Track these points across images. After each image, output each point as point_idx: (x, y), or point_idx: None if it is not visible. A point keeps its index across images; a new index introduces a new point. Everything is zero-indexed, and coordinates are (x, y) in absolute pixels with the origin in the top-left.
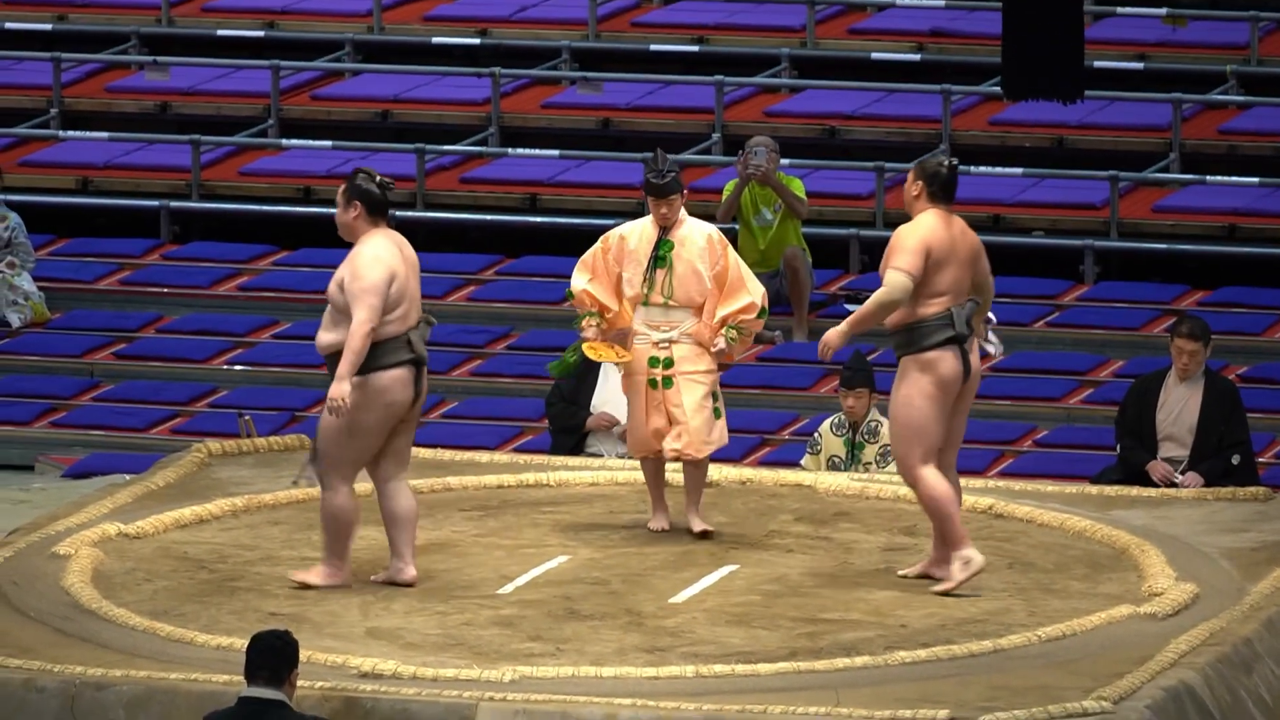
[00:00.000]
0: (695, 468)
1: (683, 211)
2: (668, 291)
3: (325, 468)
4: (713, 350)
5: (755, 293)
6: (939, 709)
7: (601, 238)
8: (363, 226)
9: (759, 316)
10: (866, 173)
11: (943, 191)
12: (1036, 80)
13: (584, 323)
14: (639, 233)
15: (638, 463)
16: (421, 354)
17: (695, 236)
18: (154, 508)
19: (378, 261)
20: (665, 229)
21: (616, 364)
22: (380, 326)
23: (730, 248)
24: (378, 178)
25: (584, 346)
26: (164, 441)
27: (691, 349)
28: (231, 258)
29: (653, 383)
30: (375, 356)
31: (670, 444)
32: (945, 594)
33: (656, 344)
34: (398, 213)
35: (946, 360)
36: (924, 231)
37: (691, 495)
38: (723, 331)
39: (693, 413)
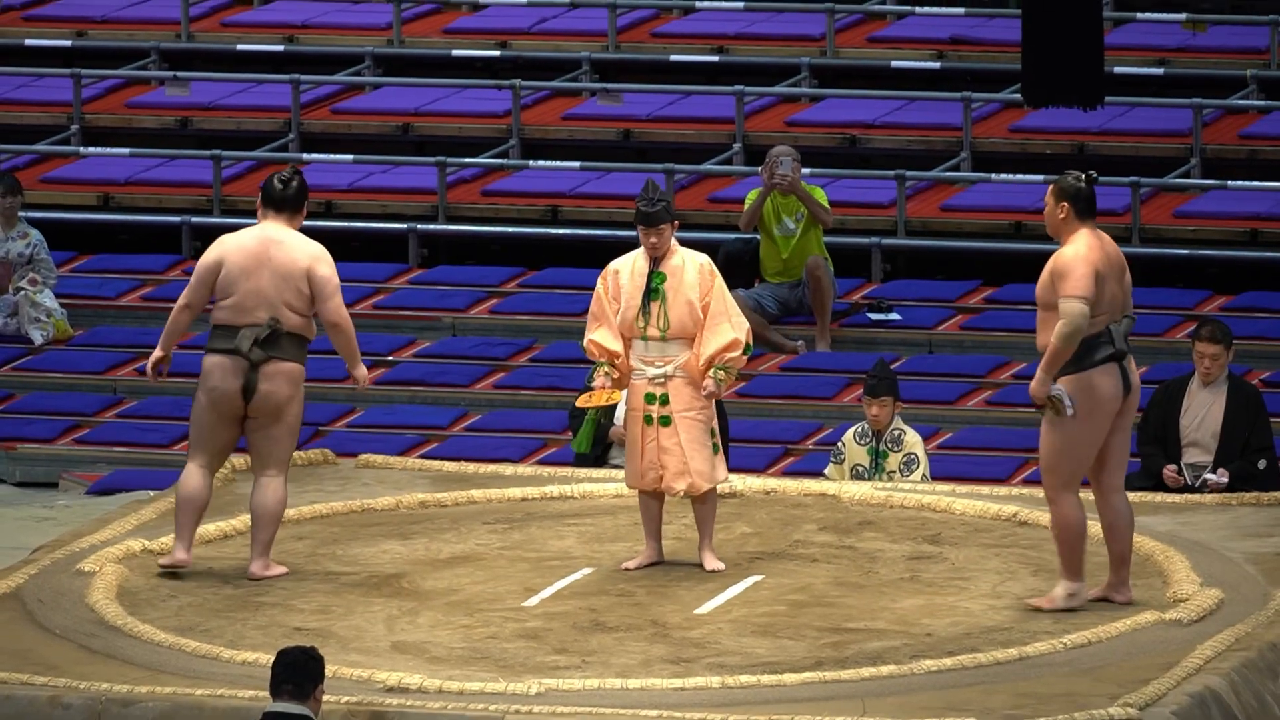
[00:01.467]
0: (702, 504)
1: (674, 242)
2: (663, 325)
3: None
4: (704, 394)
5: (739, 328)
6: (965, 717)
7: (600, 276)
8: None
9: (744, 353)
10: (888, 181)
11: (1088, 207)
12: (1056, 87)
13: (596, 372)
14: (630, 266)
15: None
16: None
17: (687, 266)
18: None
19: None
20: (656, 260)
21: (592, 407)
22: (214, 310)
23: (719, 278)
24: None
25: (578, 399)
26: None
27: (687, 386)
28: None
29: (648, 419)
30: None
31: (675, 484)
32: (1036, 609)
33: (652, 380)
34: (418, 226)
35: (1106, 379)
36: (1088, 252)
37: (702, 532)
38: (711, 373)
39: (693, 452)
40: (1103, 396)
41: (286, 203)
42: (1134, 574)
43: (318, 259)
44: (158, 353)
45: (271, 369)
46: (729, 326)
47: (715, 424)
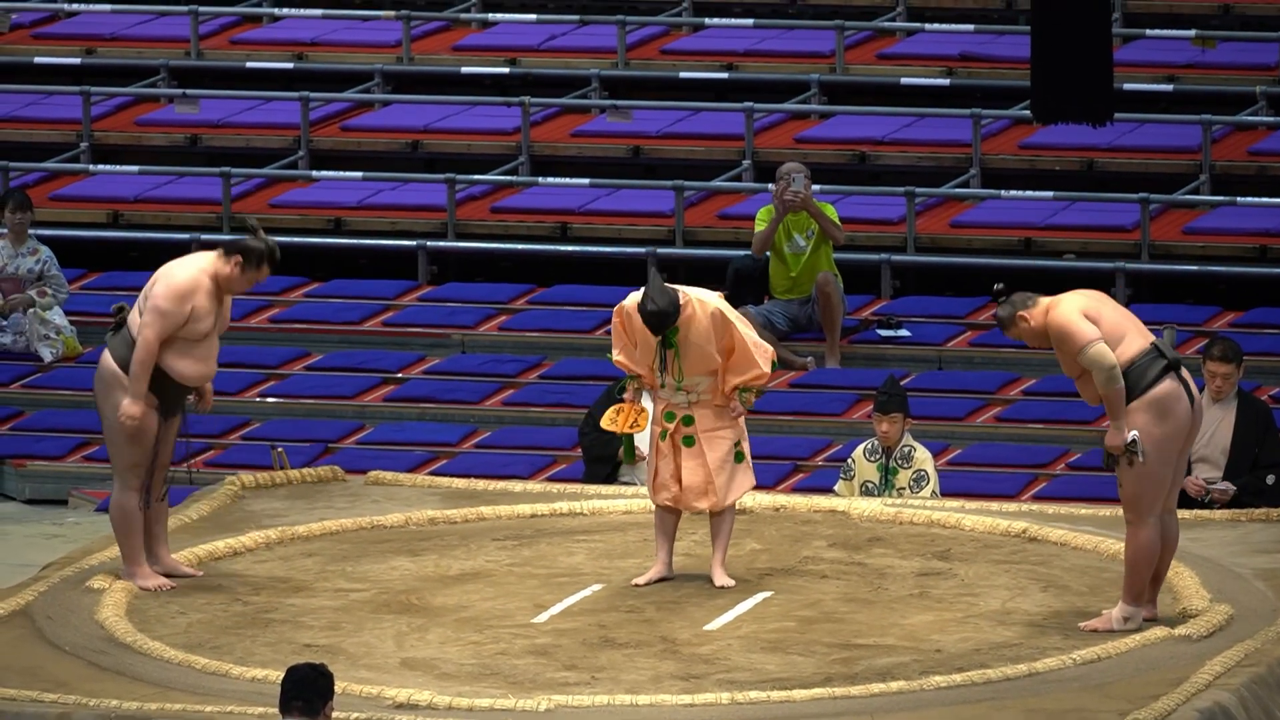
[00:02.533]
0: (719, 519)
1: (683, 293)
2: (678, 376)
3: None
4: (733, 416)
5: (764, 359)
6: None
7: (615, 310)
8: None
9: (770, 371)
10: (897, 198)
11: (1026, 298)
12: (1066, 103)
13: (627, 384)
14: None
15: None
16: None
17: (699, 317)
18: (188, 540)
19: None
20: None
21: (619, 432)
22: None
23: (732, 319)
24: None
25: (604, 417)
26: (198, 475)
27: (712, 409)
28: (263, 290)
29: (664, 434)
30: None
31: (697, 504)
32: (1093, 630)
33: (675, 404)
34: (428, 243)
35: (1172, 392)
36: (1066, 305)
37: (716, 547)
38: (737, 395)
39: (717, 471)
40: (1175, 410)
41: (228, 244)
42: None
43: (166, 275)
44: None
45: (100, 357)
46: (755, 364)
47: (744, 435)
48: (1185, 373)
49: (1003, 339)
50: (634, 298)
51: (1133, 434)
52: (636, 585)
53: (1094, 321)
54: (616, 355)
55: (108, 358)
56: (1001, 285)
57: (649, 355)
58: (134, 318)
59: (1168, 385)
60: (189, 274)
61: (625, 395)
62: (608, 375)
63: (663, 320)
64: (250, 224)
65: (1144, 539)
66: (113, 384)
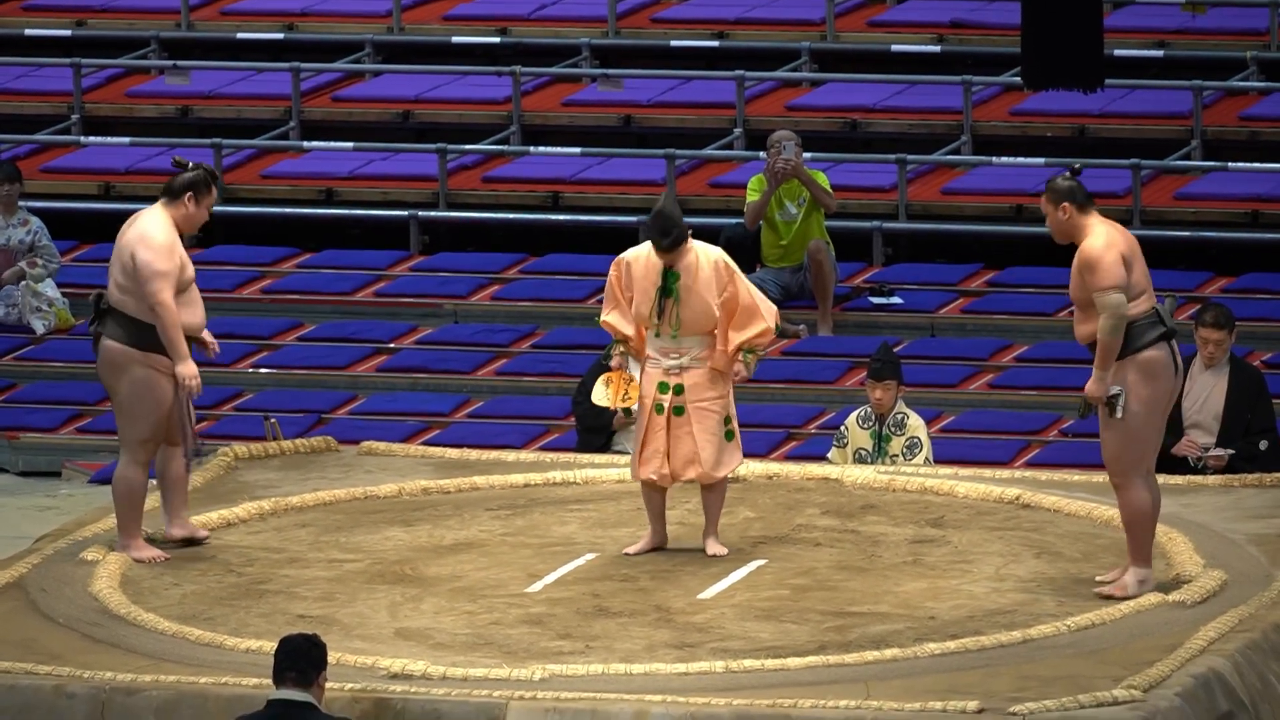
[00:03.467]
0: (711, 492)
1: (689, 239)
2: (675, 324)
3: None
4: (736, 378)
5: (769, 316)
6: (969, 700)
7: (613, 264)
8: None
9: (774, 334)
10: (888, 165)
11: (1086, 198)
12: (1057, 70)
13: (613, 350)
14: (645, 259)
15: None
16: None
17: (702, 264)
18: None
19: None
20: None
21: (614, 408)
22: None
23: (737, 271)
24: (1068, 171)
25: (595, 386)
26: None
27: (704, 375)
28: (255, 260)
29: (659, 408)
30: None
31: (684, 473)
32: (1108, 597)
33: (667, 370)
34: (419, 213)
35: (1161, 359)
36: (1110, 239)
37: (709, 518)
38: (741, 357)
39: (704, 442)
40: (1162, 376)
41: (167, 187)
42: None
43: (143, 241)
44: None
45: (101, 346)
46: (760, 316)
47: (732, 410)
48: (1174, 344)
49: (994, 306)
50: (633, 250)
51: (1117, 388)
52: (628, 554)
53: (1127, 270)
54: (605, 317)
55: (110, 343)
56: (1080, 168)
57: (647, 303)
58: (117, 296)
59: (1159, 351)
60: (164, 228)
61: (611, 362)
62: (600, 344)
63: (670, 226)
64: (176, 161)
65: (1135, 499)
66: (125, 363)
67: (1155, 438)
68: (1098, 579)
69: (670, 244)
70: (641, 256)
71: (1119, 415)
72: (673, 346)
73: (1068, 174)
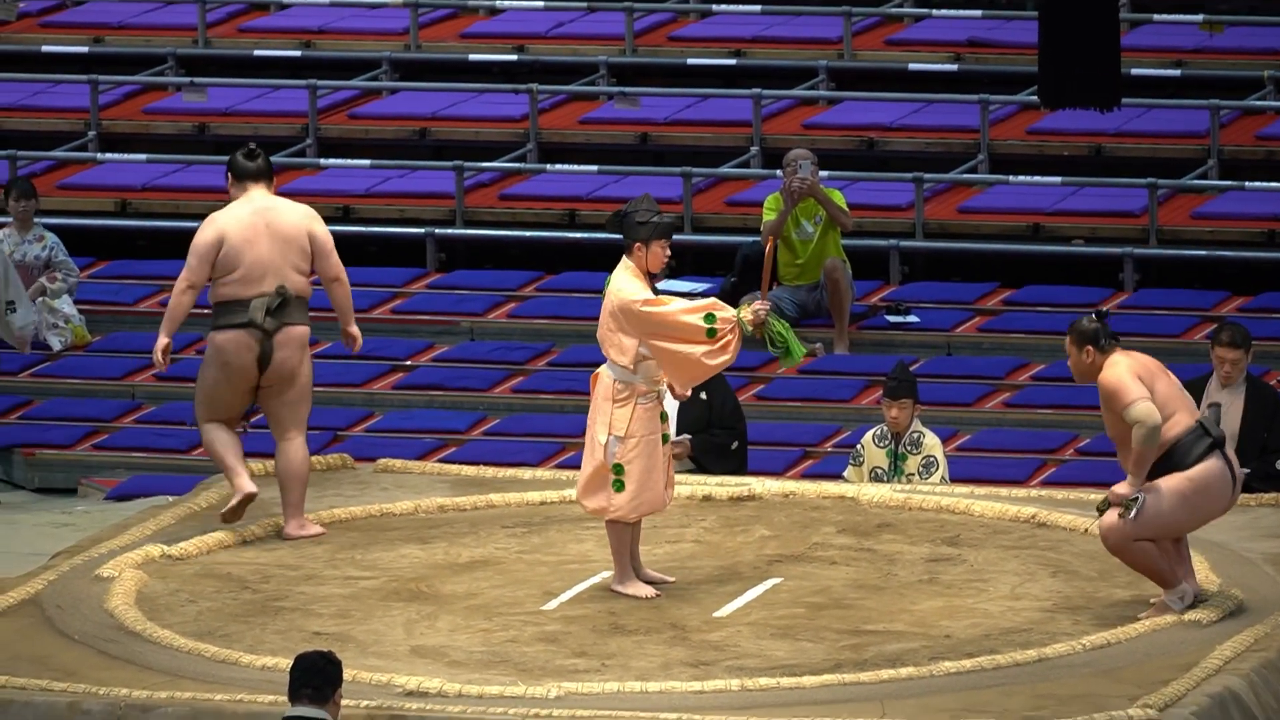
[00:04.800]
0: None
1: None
2: None
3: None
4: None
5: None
6: (984, 719)
7: (641, 300)
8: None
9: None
10: (905, 184)
11: (1109, 338)
12: (1074, 89)
13: (747, 319)
14: (642, 288)
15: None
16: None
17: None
18: (197, 529)
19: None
20: (652, 274)
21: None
22: (217, 287)
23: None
24: (249, 148)
25: (746, 317)
26: (206, 463)
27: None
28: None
29: (665, 437)
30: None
31: (670, 494)
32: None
33: (659, 398)
34: (436, 230)
35: (1216, 471)
36: (1123, 367)
37: (637, 541)
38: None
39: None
40: (1214, 490)
41: (264, 172)
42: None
43: (314, 217)
44: (164, 340)
45: (284, 336)
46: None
47: None
48: (1230, 451)
49: (1011, 325)
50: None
51: (1140, 495)
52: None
53: (1147, 389)
54: (701, 305)
55: (298, 329)
56: (1106, 311)
57: None
58: (300, 280)
59: (1212, 464)
60: (306, 210)
61: (750, 311)
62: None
63: (673, 224)
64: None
65: (1134, 557)
66: (307, 344)
67: (1179, 535)
68: (1150, 600)
69: (673, 224)
70: (638, 286)
71: (1129, 515)
72: (659, 370)
73: (1093, 316)
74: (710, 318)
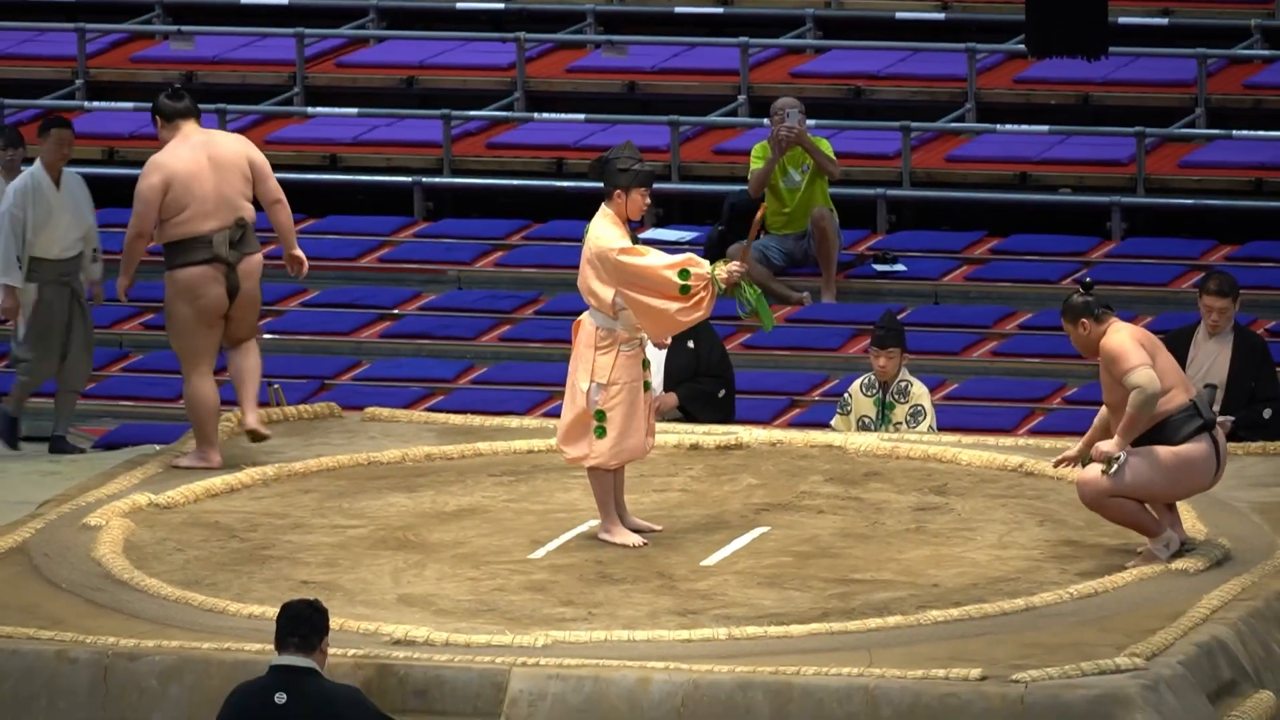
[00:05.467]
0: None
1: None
2: None
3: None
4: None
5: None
6: (972, 668)
7: (618, 249)
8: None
9: None
10: (892, 132)
11: (1103, 308)
12: (1061, 37)
13: (721, 276)
14: (622, 235)
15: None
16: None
17: None
18: (184, 477)
19: (1122, 339)
20: (631, 221)
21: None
22: (170, 227)
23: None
24: (171, 88)
25: (721, 275)
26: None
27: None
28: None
29: (646, 385)
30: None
31: (651, 440)
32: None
33: (642, 344)
34: (423, 179)
35: (1202, 454)
36: (1125, 334)
37: (621, 489)
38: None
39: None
40: (1200, 470)
41: (192, 109)
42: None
43: (249, 144)
44: (125, 280)
45: (245, 266)
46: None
47: None
48: (1219, 433)
49: (998, 274)
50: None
51: (1123, 455)
52: (641, 546)
53: (1148, 355)
54: (676, 261)
55: (256, 257)
56: (1091, 283)
57: None
58: (249, 208)
59: (1200, 445)
60: (239, 137)
61: (726, 269)
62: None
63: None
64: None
65: (1115, 513)
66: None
67: (1159, 502)
68: (1137, 550)
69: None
70: (617, 234)
71: (1110, 471)
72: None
73: (1080, 289)
74: (685, 274)
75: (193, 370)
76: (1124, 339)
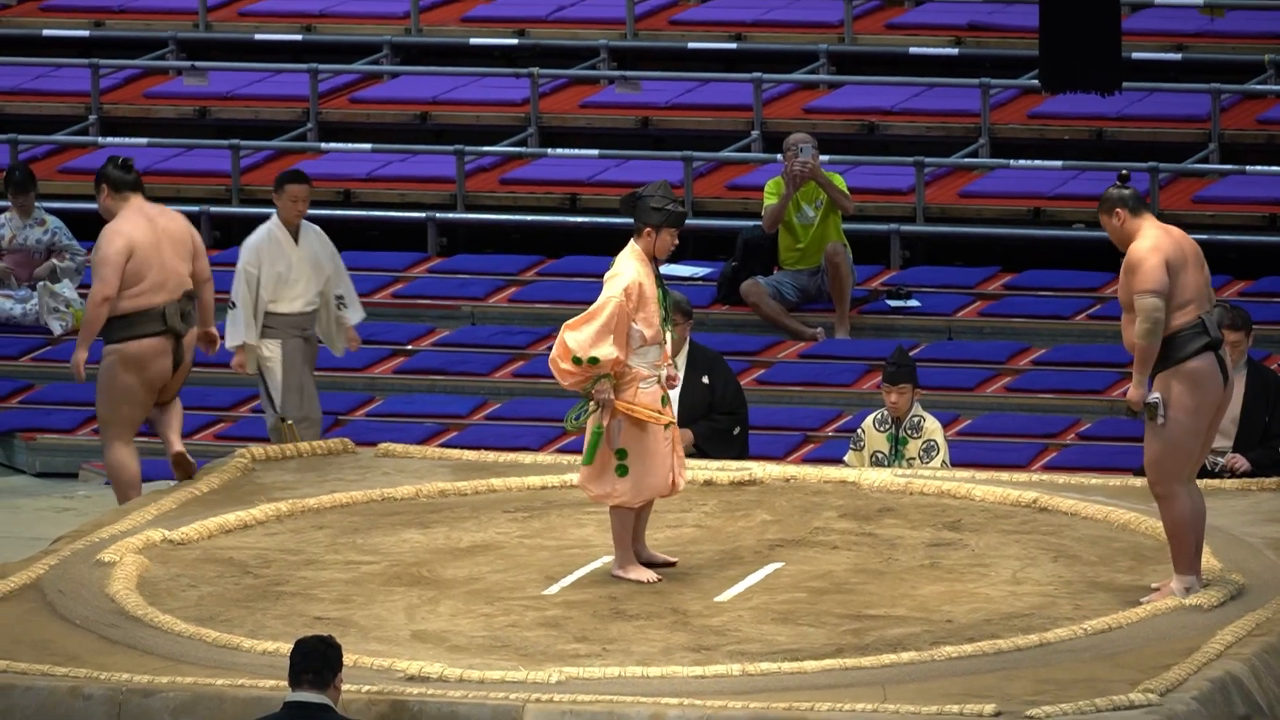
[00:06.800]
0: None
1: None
2: (668, 319)
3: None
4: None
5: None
6: (986, 703)
7: (622, 292)
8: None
9: None
10: (906, 168)
11: (1138, 202)
12: (1075, 73)
13: (598, 387)
14: (643, 272)
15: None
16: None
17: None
18: (198, 513)
19: (1149, 252)
20: (656, 261)
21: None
22: (123, 300)
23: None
24: (120, 160)
25: (570, 421)
26: (207, 447)
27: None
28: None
29: (667, 425)
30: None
31: (682, 479)
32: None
33: (660, 382)
34: (437, 215)
35: (1206, 369)
36: (1154, 242)
37: (643, 525)
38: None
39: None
40: (1206, 387)
41: (139, 182)
42: (1155, 560)
43: (187, 220)
44: (82, 353)
45: (188, 339)
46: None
47: None
48: (1225, 352)
49: (1012, 309)
50: (627, 272)
51: (1155, 396)
52: (655, 581)
53: (1171, 275)
54: (604, 350)
55: (194, 330)
56: (1128, 174)
57: (655, 312)
58: (189, 283)
59: (1203, 362)
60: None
61: (603, 396)
62: None
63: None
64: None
65: (1178, 509)
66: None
67: (1198, 447)
68: (1153, 586)
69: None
70: (641, 271)
71: (1160, 422)
72: (659, 355)
73: (1118, 180)
74: (594, 360)
75: (116, 438)
76: (1148, 253)
